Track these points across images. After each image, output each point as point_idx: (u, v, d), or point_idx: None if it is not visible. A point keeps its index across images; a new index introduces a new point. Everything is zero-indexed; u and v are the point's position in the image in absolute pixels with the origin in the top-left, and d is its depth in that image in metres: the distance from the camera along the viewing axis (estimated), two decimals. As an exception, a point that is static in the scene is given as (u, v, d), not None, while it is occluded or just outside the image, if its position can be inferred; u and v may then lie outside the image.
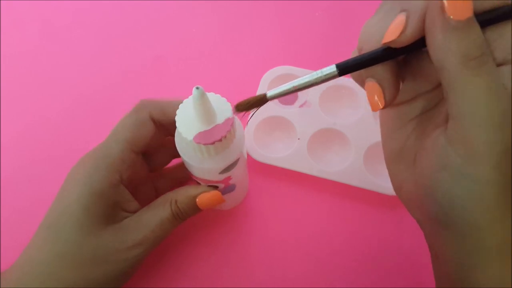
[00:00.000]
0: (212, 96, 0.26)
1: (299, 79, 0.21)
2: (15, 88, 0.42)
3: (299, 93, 0.40)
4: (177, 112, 0.25)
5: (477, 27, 0.18)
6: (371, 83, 0.21)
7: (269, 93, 0.22)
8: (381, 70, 0.21)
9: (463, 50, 0.18)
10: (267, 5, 0.45)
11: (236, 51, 0.44)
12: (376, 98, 0.21)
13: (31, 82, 0.43)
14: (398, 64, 0.22)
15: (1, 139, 0.40)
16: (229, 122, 0.25)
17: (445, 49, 0.18)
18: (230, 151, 0.27)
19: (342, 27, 0.45)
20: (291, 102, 0.40)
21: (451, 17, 0.18)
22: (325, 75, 0.21)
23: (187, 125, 0.25)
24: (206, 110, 0.24)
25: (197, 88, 0.23)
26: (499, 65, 0.19)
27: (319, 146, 0.39)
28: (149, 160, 0.33)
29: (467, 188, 0.20)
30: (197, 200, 0.30)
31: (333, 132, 0.38)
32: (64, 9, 0.45)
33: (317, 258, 0.37)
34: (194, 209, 0.31)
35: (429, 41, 0.19)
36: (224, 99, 0.26)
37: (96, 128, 0.41)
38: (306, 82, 0.21)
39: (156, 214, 0.30)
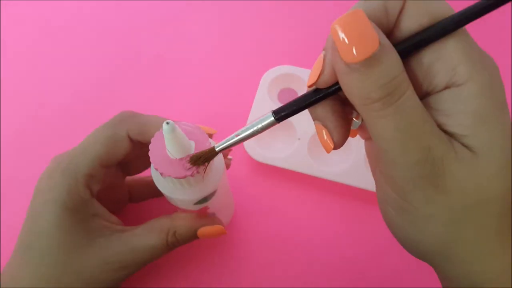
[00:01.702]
0: (188, 128, 0.25)
1: (241, 130, 0.21)
2: (15, 88, 0.42)
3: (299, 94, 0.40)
4: (151, 141, 0.24)
5: (383, 63, 0.16)
6: (317, 125, 0.20)
7: (218, 147, 0.22)
8: (321, 111, 0.20)
9: (363, 93, 0.16)
10: (267, 5, 0.45)
11: (236, 51, 0.44)
12: (325, 138, 0.20)
13: (31, 82, 0.43)
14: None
15: (1, 138, 0.40)
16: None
17: (347, 92, 0.17)
18: (205, 184, 0.26)
19: (342, 27, 0.45)
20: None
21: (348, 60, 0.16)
22: (264, 125, 0.21)
23: (160, 156, 0.24)
24: (177, 144, 0.23)
25: (167, 123, 0.22)
26: (444, 89, 0.18)
27: (319, 146, 0.38)
28: (124, 167, 0.32)
29: (409, 221, 0.19)
30: (198, 232, 0.29)
31: (333, 132, 0.38)
32: (63, 9, 0.45)
33: (317, 257, 0.37)
34: (192, 238, 0.30)
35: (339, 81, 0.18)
36: (203, 130, 0.25)
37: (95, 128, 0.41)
38: (248, 134, 0.21)
39: (150, 240, 0.29)
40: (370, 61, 0.16)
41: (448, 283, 0.21)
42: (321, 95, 0.19)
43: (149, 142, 0.25)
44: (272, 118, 0.21)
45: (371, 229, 0.38)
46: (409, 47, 0.17)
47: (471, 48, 0.17)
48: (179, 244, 0.30)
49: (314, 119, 0.21)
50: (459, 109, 0.17)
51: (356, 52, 0.16)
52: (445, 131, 0.18)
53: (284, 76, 0.40)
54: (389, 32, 0.18)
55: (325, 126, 0.20)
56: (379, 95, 0.16)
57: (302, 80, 0.40)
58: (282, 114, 0.20)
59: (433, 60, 0.17)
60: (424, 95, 0.18)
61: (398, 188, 0.19)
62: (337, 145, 0.21)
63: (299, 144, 0.38)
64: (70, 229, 0.26)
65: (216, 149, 0.22)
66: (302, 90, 0.40)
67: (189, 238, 0.30)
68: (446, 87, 0.17)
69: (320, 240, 0.38)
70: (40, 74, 0.43)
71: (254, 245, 0.38)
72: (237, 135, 0.21)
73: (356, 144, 0.38)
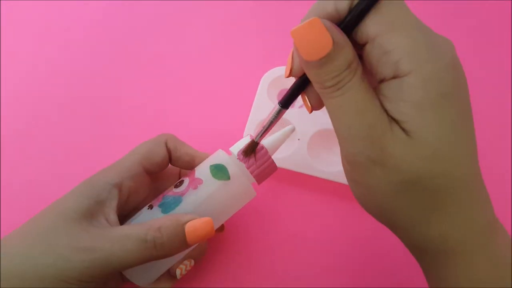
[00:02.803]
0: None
1: (264, 122, 0.27)
2: (16, 88, 0.42)
3: (299, 94, 0.41)
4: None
5: (335, 61, 0.20)
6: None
7: (256, 139, 0.29)
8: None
9: (319, 81, 0.21)
10: (267, 6, 0.45)
11: (236, 51, 0.44)
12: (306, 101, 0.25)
13: (31, 83, 0.43)
14: None
15: (1, 139, 0.40)
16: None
17: (310, 79, 0.22)
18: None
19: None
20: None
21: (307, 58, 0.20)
22: (274, 113, 0.26)
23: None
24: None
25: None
26: (392, 78, 0.20)
27: (319, 146, 0.39)
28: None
29: (360, 192, 0.23)
30: (185, 227, 0.27)
31: (333, 133, 0.38)
32: (62, 9, 0.45)
33: (317, 257, 0.37)
34: (179, 239, 0.27)
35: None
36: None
37: (94, 129, 0.41)
38: (268, 124, 0.27)
39: (129, 230, 0.26)
40: (325, 60, 0.20)
41: (404, 242, 0.25)
42: (301, 81, 0.24)
43: (178, 157, 0.33)
44: (279, 107, 0.26)
45: (371, 228, 0.38)
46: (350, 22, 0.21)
47: (417, 42, 0.20)
48: (161, 243, 0.26)
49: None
50: (400, 97, 0.20)
51: (312, 53, 0.20)
52: (390, 116, 0.21)
53: (284, 77, 0.40)
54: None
55: (305, 92, 0.24)
56: (331, 83, 0.21)
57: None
58: (283, 102, 0.26)
59: (381, 54, 0.20)
60: (378, 82, 0.22)
61: (348, 161, 0.22)
62: (314, 107, 0.25)
63: (299, 144, 0.38)
64: (76, 203, 0.28)
65: (256, 140, 0.29)
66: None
67: (175, 234, 0.27)
68: (393, 77, 0.20)
69: (320, 240, 0.38)
70: (40, 74, 0.43)
71: (254, 244, 0.38)
72: (263, 127, 0.28)
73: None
